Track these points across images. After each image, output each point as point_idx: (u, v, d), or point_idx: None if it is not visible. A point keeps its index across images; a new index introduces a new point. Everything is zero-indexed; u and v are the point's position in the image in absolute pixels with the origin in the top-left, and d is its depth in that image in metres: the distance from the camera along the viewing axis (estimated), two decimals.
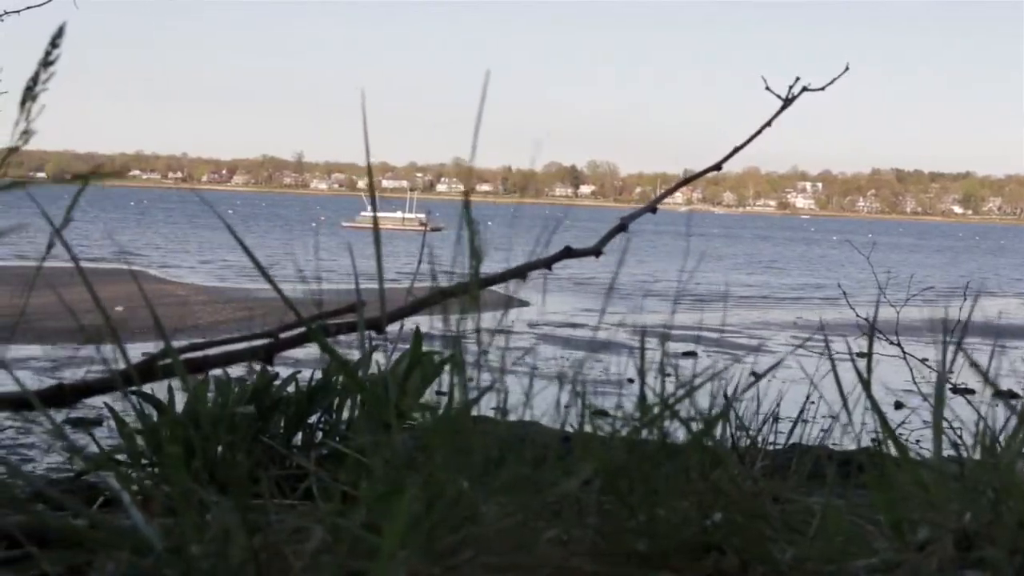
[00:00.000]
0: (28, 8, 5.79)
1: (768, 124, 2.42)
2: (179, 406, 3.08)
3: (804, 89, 2.49)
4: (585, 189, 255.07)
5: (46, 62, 1.20)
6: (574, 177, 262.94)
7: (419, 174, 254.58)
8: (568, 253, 1.78)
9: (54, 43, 1.19)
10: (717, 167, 2.30)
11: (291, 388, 3.42)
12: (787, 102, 2.46)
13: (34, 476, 2.13)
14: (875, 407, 1.31)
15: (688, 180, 2.23)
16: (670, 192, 2.22)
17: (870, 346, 1.31)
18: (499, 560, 0.87)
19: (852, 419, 1.48)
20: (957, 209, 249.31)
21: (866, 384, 1.25)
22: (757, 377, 1.13)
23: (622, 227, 1.95)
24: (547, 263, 1.78)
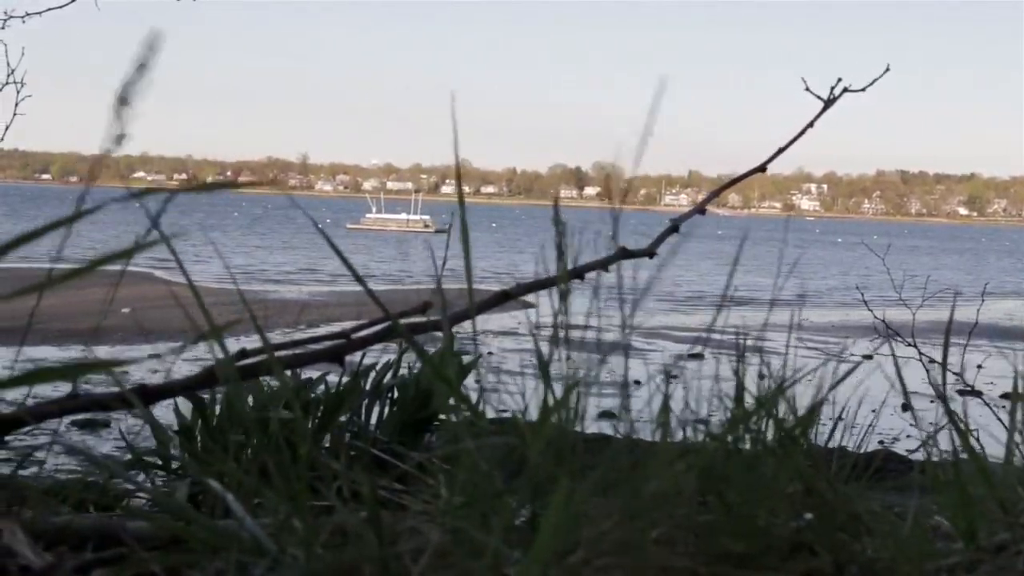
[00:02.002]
0: (50, 9, 5.82)
1: (811, 125, 2.43)
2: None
3: (845, 90, 2.50)
4: (590, 191, 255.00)
5: (140, 66, 1.20)
6: (579, 179, 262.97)
7: (424, 176, 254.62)
8: (625, 254, 1.78)
9: (151, 48, 1.20)
10: (762, 168, 2.30)
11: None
12: (828, 103, 2.46)
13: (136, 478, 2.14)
14: (948, 411, 1.32)
15: (735, 181, 2.24)
16: (716, 194, 2.23)
17: (944, 349, 1.31)
18: (608, 561, 0.88)
19: (916, 420, 1.49)
20: (962, 211, 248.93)
21: (941, 393, 1.26)
22: (837, 381, 1.14)
23: (674, 228, 1.95)
24: (603, 264, 1.78)
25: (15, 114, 4.15)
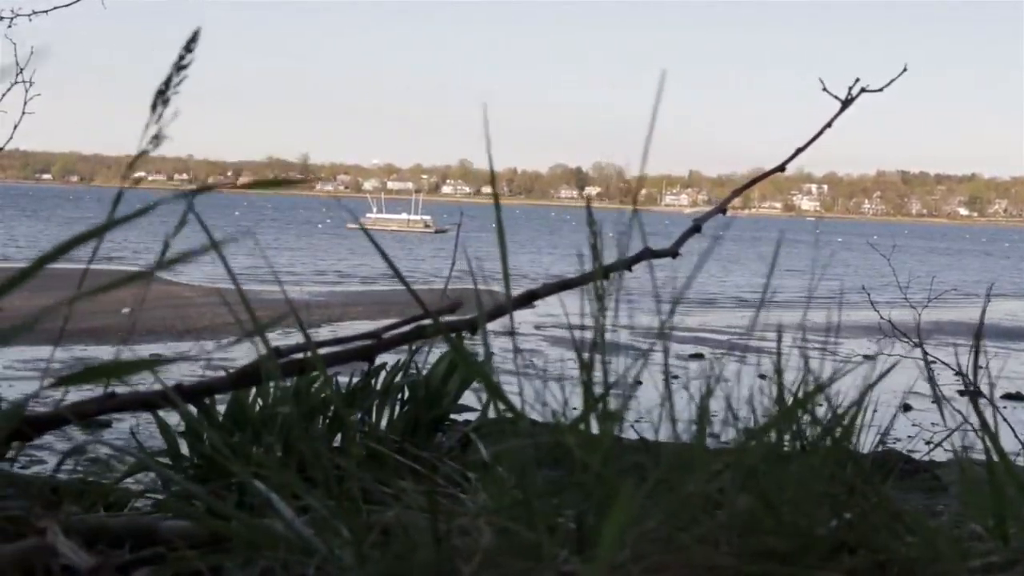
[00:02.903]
0: (56, 8, 5.82)
1: (828, 125, 2.44)
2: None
3: (863, 90, 2.50)
4: (590, 191, 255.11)
5: (179, 65, 1.20)
6: (579, 179, 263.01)
7: (424, 176, 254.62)
8: (649, 254, 1.78)
9: (188, 47, 1.20)
10: (781, 168, 2.31)
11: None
12: (846, 103, 2.46)
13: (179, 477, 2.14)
14: (979, 413, 1.32)
15: (755, 181, 2.25)
16: (736, 194, 2.23)
17: (978, 350, 1.31)
18: (656, 560, 0.88)
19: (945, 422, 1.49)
20: (963, 211, 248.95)
21: (974, 390, 1.26)
22: (871, 384, 1.13)
23: (696, 228, 1.96)
24: (627, 264, 1.78)
25: (24, 113, 4.14)
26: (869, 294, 6.07)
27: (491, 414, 1.16)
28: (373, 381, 3.66)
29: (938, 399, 1.52)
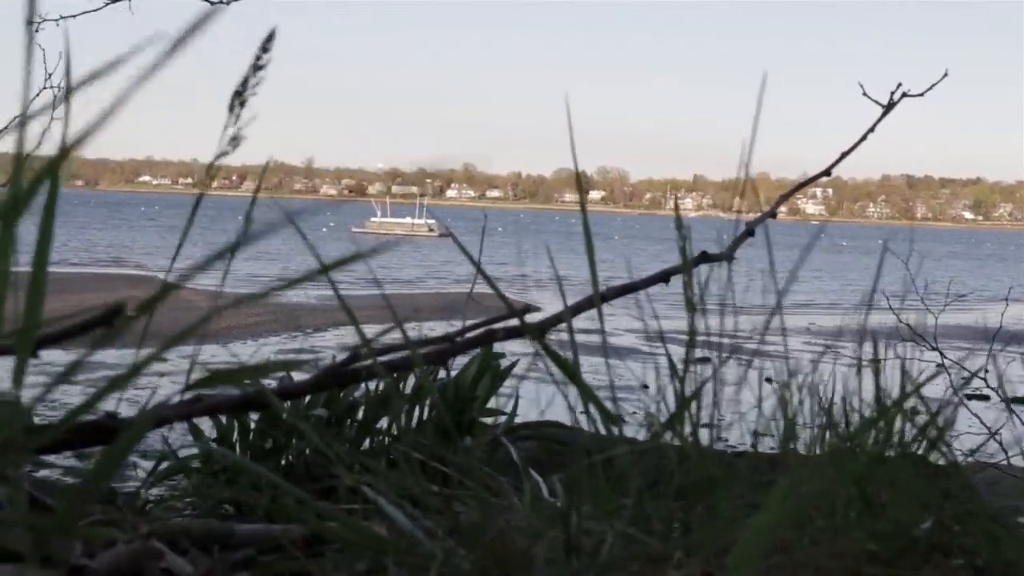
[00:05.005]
0: (85, 12, 5.84)
1: (871, 130, 2.43)
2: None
3: (904, 95, 2.50)
4: (595, 195, 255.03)
5: (256, 66, 1.20)
6: (584, 183, 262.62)
7: (429, 180, 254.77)
8: (704, 258, 1.78)
9: (264, 48, 1.20)
10: (826, 172, 2.31)
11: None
12: (888, 108, 2.46)
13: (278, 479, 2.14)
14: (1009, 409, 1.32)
15: (801, 186, 2.25)
16: (785, 198, 2.23)
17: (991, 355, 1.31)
18: (771, 561, 0.88)
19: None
20: (968, 215, 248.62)
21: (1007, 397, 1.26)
22: (965, 380, 1.13)
23: (749, 232, 1.95)
24: (688, 268, 1.78)
25: (52, 118, 4.15)
26: (887, 296, 6.05)
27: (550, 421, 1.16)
28: (402, 385, 3.66)
29: (1006, 400, 1.52)
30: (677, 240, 1.19)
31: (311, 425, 2.97)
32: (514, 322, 1.50)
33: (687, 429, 1.04)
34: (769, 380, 1.17)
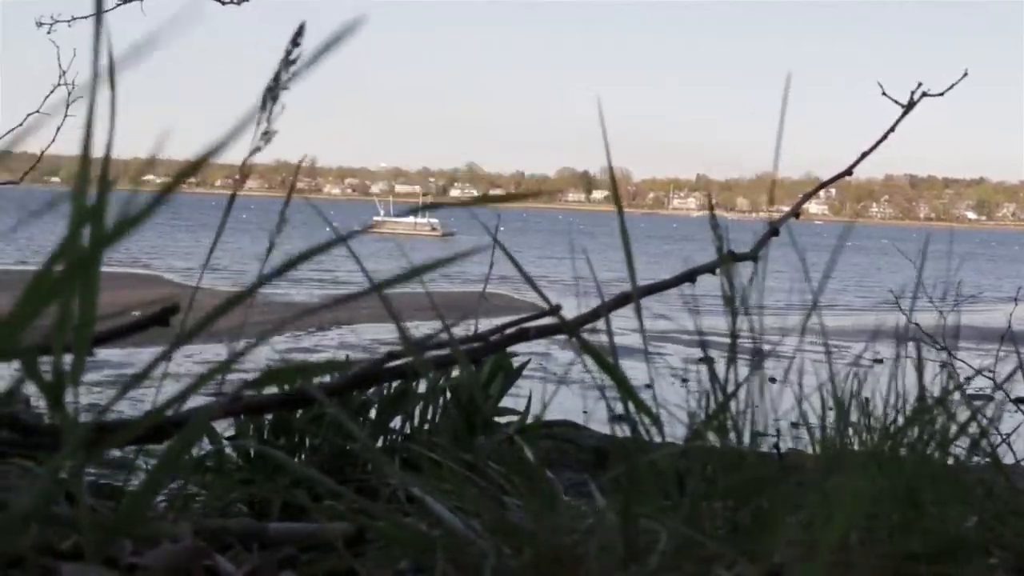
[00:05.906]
0: (95, 14, 5.83)
1: (892, 130, 2.43)
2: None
3: (924, 95, 2.49)
4: (598, 195, 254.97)
5: (287, 61, 1.20)
6: (587, 182, 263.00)
7: (432, 179, 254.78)
8: (732, 257, 1.78)
9: (295, 42, 1.19)
10: (848, 172, 2.31)
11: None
12: (908, 108, 2.46)
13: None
14: None
15: (823, 185, 2.26)
16: (808, 197, 2.23)
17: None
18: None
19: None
20: (971, 215, 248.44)
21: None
22: (995, 394, 1.13)
23: (774, 232, 1.95)
24: (711, 268, 1.79)
25: (66, 116, 4.15)
26: (896, 296, 6.05)
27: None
28: (415, 384, 3.66)
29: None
30: (713, 240, 1.19)
31: (328, 424, 2.98)
32: (546, 321, 1.50)
33: (730, 429, 1.04)
34: (792, 382, 1.17)
